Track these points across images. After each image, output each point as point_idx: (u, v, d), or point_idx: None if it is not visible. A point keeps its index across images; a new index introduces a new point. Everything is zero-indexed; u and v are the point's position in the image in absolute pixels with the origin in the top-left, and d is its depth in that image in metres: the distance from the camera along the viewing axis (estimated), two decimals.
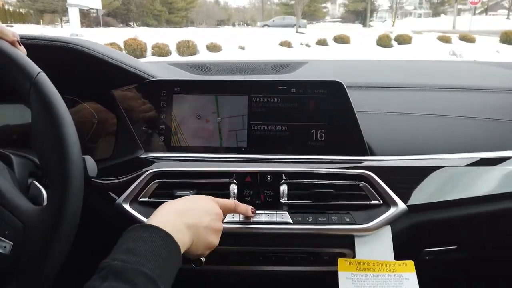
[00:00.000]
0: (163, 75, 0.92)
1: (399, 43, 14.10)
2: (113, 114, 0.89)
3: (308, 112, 0.84)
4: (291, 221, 0.76)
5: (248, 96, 0.85)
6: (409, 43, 14.11)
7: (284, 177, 0.79)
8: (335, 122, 0.83)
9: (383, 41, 13.90)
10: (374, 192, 0.78)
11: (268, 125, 0.85)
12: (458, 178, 0.81)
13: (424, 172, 0.80)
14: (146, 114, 0.87)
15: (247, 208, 0.75)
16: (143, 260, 0.47)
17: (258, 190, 0.80)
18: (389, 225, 0.76)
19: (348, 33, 15.08)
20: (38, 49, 0.71)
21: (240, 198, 0.79)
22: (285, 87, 0.85)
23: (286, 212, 0.78)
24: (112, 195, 0.81)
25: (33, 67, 0.57)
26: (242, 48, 12.51)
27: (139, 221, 0.77)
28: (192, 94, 0.86)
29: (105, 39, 10.36)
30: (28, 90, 0.56)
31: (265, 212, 0.78)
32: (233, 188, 0.79)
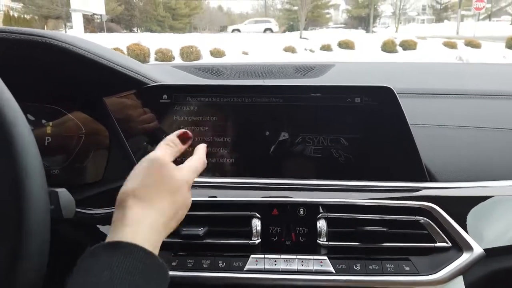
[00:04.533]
0: (167, 80, 0.74)
1: (404, 49, 13.95)
2: (105, 126, 0.71)
3: (349, 125, 0.66)
4: (332, 270, 0.58)
5: (271, 105, 0.68)
6: (414, 48, 13.96)
7: (321, 210, 0.62)
8: (384, 138, 0.66)
9: (388, 47, 13.75)
10: (440, 231, 0.60)
11: (298, 141, 0.67)
12: None
13: (504, 203, 0.62)
14: (145, 126, 0.70)
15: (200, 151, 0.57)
16: None
17: (288, 227, 0.62)
18: (461, 276, 0.58)
19: (352, 38, 14.94)
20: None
21: (266, 237, 0.61)
22: (319, 94, 0.67)
23: (326, 258, 0.60)
24: (100, 231, 0.63)
25: None
26: (246, 53, 12.39)
27: None
28: (202, 102, 0.69)
29: (108, 44, 10.24)
30: None
31: (298, 257, 0.60)
32: (256, 224, 0.61)
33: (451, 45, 14.02)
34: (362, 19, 39.57)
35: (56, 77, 0.67)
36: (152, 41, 12.44)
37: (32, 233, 0.37)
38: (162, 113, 0.69)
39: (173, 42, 12.29)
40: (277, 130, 0.67)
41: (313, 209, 0.62)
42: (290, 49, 13.09)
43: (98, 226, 0.65)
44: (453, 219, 0.60)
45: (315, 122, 0.67)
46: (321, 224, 0.61)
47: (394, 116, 0.65)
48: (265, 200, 0.63)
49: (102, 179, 0.70)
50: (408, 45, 14.00)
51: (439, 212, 0.60)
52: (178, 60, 11.08)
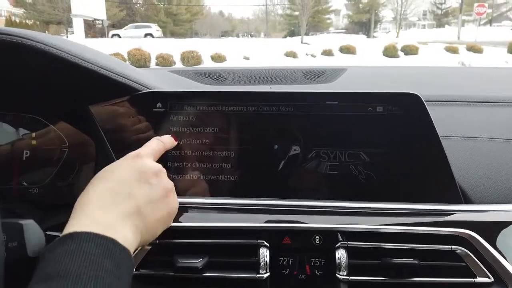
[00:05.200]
0: (162, 86, 0.66)
1: (406, 54, 13.90)
2: (91, 138, 0.63)
3: (370, 138, 0.58)
4: None
5: (280, 115, 0.59)
6: (416, 53, 13.91)
7: (340, 238, 0.53)
8: (411, 153, 0.57)
9: (390, 52, 13.71)
10: (480, 264, 0.51)
11: (311, 156, 0.58)
12: None
13: None
14: (135, 138, 0.61)
15: (170, 139, 0.58)
16: (75, 282, 0.31)
17: (302, 259, 0.53)
18: None
19: (353, 43, 14.90)
20: None
21: (276, 270, 0.53)
22: (336, 102, 0.59)
23: None
24: None
25: None
26: (247, 58, 12.35)
27: None
28: (201, 112, 0.60)
29: (109, 50, 10.23)
30: None
31: None
32: (264, 254, 0.52)
33: (453, 50, 13.97)
34: (363, 24, 39.66)
35: (35, 83, 0.59)
36: (153, 46, 12.42)
37: None
38: (156, 123, 0.61)
39: (174, 47, 12.28)
40: (287, 143, 0.59)
41: (330, 236, 0.53)
42: (292, 54, 13.05)
43: None
44: (495, 249, 0.51)
45: (331, 134, 0.58)
46: (341, 255, 0.52)
47: (422, 127, 0.57)
48: (275, 226, 0.54)
49: None
50: (409, 50, 13.95)
51: (478, 241, 0.51)
52: (179, 65, 11.04)
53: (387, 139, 0.57)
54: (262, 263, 0.52)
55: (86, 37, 17.92)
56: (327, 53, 13.77)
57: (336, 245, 0.52)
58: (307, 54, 13.53)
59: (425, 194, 0.56)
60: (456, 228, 0.52)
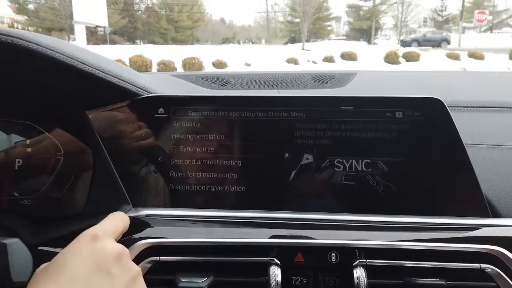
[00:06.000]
0: (164, 90, 0.62)
1: (407, 60, 13.91)
2: (88, 146, 0.58)
3: (389, 146, 0.53)
4: None
5: (292, 121, 0.55)
6: (417, 60, 13.92)
7: (358, 255, 0.48)
8: (433, 162, 0.52)
9: (391, 58, 13.73)
10: None
11: (325, 165, 0.54)
12: None
13: None
14: (136, 146, 0.57)
15: (124, 215, 0.49)
16: None
17: (317, 278, 0.49)
18: None
19: (354, 50, 14.93)
20: None
21: None
22: (351, 107, 0.54)
23: None
24: None
25: None
26: (248, 64, 12.36)
27: None
28: (206, 117, 0.56)
29: (111, 56, 10.24)
30: None
31: None
32: (275, 273, 0.48)
33: (454, 57, 13.98)
34: (364, 31, 39.80)
35: (28, 86, 0.55)
36: (155, 52, 12.47)
37: None
38: (158, 130, 0.56)
39: (175, 53, 12.32)
40: (298, 151, 0.55)
41: (348, 253, 0.49)
42: (293, 61, 13.07)
43: None
44: None
45: (346, 142, 0.54)
46: (359, 274, 0.47)
47: (445, 134, 0.52)
48: (286, 242, 0.49)
49: (83, 211, 0.57)
50: (411, 57, 13.96)
51: (509, 258, 0.47)
52: (180, 71, 11.05)
53: (407, 147, 0.53)
54: (272, 283, 0.47)
55: (88, 44, 17.99)
56: (328, 59, 13.79)
57: (354, 263, 0.48)
58: (308, 61, 13.55)
59: (449, 207, 0.52)
60: (484, 245, 0.48)
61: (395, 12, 38.41)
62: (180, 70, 11.13)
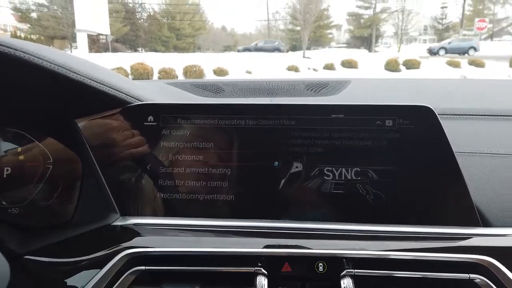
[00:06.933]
0: (156, 98, 0.62)
1: (408, 68, 13.93)
2: (77, 155, 0.58)
3: (379, 154, 0.53)
4: None
5: (282, 129, 0.55)
6: (418, 67, 13.94)
7: (346, 265, 0.48)
8: (424, 171, 0.52)
9: (391, 66, 13.74)
10: None
11: (314, 174, 0.54)
12: None
13: None
14: (124, 155, 0.56)
15: None
16: None
17: None
18: None
19: (355, 57, 14.97)
20: None
21: None
22: (342, 115, 0.54)
23: None
24: (70, 283, 0.49)
25: None
26: (249, 72, 12.40)
27: None
28: (196, 126, 0.56)
29: (112, 64, 10.30)
30: None
31: None
32: (262, 283, 0.47)
33: (454, 64, 14.00)
34: (364, 39, 39.97)
35: (17, 94, 0.55)
36: (156, 60, 12.51)
37: None
38: (147, 138, 0.56)
39: (177, 61, 12.36)
40: (288, 160, 0.54)
41: (335, 263, 0.48)
42: (293, 68, 13.10)
43: (64, 280, 0.51)
44: None
45: (336, 150, 0.54)
46: (347, 284, 0.47)
47: (435, 142, 0.52)
48: (273, 252, 0.49)
49: (71, 221, 0.56)
50: (411, 64, 13.98)
51: (499, 269, 0.46)
52: (181, 79, 11.08)
53: (397, 156, 0.53)
54: None
55: (90, 52, 18.09)
56: (329, 67, 13.82)
57: (342, 273, 0.47)
58: (309, 68, 13.58)
59: (439, 216, 0.51)
60: (474, 255, 0.47)
61: (395, 20, 38.58)
62: (181, 77, 11.16)
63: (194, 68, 11.35)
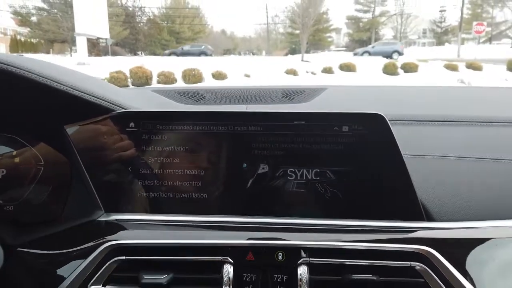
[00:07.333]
0: (141, 106, 0.68)
1: (406, 71, 13.98)
2: (66, 158, 0.64)
3: (336, 157, 0.59)
4: None
5: (250, 134, 0.61)
6: (416, 71, 13.99)
7: (303, 255, 0.54)
8: (375, 171, 0.58)
9: (389, 69, 13.79)
10: (439, 280, 0.52)
11: (278, 174, 0.60)
12: None
13: (509, 246, 0.54)
14: (109, 158, 0.63)
15: None
16: None
17: (265, 275, 0.54)
18: None
19: (353, 61, 15.03)
20: None
21: (238, 286, 0.54)
22: (303, 122, 0.60)
23: None
24: (51, 277, 0.56)
25: None
26: (248, 76, 12.46)
27: None
28: (172, 131, 0.62)
29: (112, 67, 10.36)
30: None
31: None
32: (228, 270, 0.53)
33: (452, 68, 14.05)
34: (363, 42, 40.11)
35: (11, 103, 0.61)
36: (156, 64, 12.56)
37: None
38: (129, 142, 0.62)
39: (176, 65, 12.40)
40: (255, 162, 0.60)
41: (293, 253, 0.54)
42: (292, 72, 13.14)
43: (54, 269, 0.58)
44: (452, 265, 0.52)
45: (298, 153, 0.60)
46: (302, 271, 0.53)
47: (386, 146, 0.58)
48: (239, 243, 0.55)
49: (60, 217, 0.62)
50: (409, 68, 14.03)
51: (436, 257, 0.52)
52: (180, 83, 11.13)
53: (352, 158, 0.59)
54: (225, 279, 0.53)
55: (89, 55, 18.17)
56: (327, 70, 13.87)
57: (298, 262, 0.53)
58: (307, 72, 13.63)
59: (388, 211, 0.57)
60: (415, 245, 0.53)
61: (394, 24, 38.81)
62: (180, 81, 11.21)
63: (193, 72, 11.39)
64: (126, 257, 0.55)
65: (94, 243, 0.56)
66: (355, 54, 23.80)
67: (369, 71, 13.79)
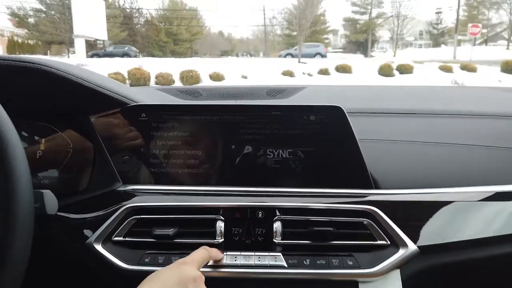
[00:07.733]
0: (148, 101, 0.84)
1: (401, 73, 14.15)
2: (91, 142, 0.80)
3: (304, 140, 0.75)
4: (285, 265, 0.66)
5: (237, 123, 0.77)
6: (411, 72, 14.17)
7: (278, 213, 0.70)
8: (335, 151, 0.75)
9: (385, 71, 13.97)
10: (380, 231, 0.68)
11: (260, 154, 0.76)
12: (476, 215, 0.71)
13: (436, 208, 0.71)
14: (126, 142, 0.79)
15: (217, 252, 0.67)
16: None
17: (249, 228, 0.70)
18: (398, 269, 0.66)
19: (349, 62, 15.21)
20: None
21: (228, 237, 0.70)
22: (279, 113, 0.77)
23: (280, 254, 0.68)
24: (84, 233, 0.71)
25: None
26: (245, 77, 12.61)
27: (111, 264, 0.67)
28: (176, 120, 0.78)
29: (110, 69, 10.49)
30: None
31: (256, 253, 0.68)
32: (220, 225, 0.70)
33: (447, 69, 14.22)
34: (361, 44, 40.32)
35: (47, 98, 0.77)
36: (153, 65, 12.67)
37: (18, 225, 0.46)
38: (141, 129, 0.78)
39: (174, 66, 12.51)
40: (242, 144, 0.77)
41: (270, 212, 0.70)
42: (288, 73, 13.30)
43: (80, 230, 0.73)
44: (392, 220, 0.68)
45: (276, 137, 0.76)
46: (277, 225, 0.69)
47: (344, 131, 0.75)
48: (229, 205, 0.71)
49: (86, 189, 0.78)
50: (404, 69, 14.20)
51: (379, 215, 0.69)
52: (178, 84, 11.25)
53: (317, 140, 0.75)
54: (218, 232, 0.69)
55: (87, 57, 18.30)
56: (324, 72, 14.04)
57: (274, 218, 0.70)
58: (304, 73, 13.80)
59: (344, 181, 0.74)
60: (365, 206, 0.70)
61: (391, 25, 39.05)
62: (178, 82, 11.35)
63: (191, 73, 11.52)
64: (141, 216, 0.71)
65: (115, 207, 0.72)
66: (279, 56, 24.42)
67: (365, 73, 13.97)
